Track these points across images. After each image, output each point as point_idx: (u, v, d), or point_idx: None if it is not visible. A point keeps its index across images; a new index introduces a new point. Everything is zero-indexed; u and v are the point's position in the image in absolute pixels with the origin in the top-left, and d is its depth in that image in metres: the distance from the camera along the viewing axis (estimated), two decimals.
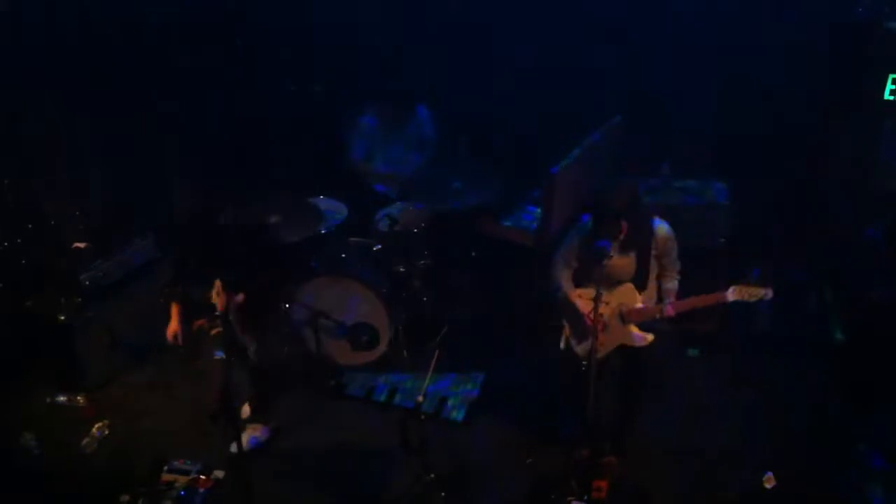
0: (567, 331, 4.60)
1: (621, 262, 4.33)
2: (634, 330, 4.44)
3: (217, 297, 4.78)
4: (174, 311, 4.92)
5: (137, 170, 6.46)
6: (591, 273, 4.33)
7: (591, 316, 4.19)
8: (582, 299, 4.44)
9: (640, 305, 4.40)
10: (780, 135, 6.39)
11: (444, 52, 6.74)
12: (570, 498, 4.48)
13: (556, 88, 6.63)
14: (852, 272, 5.76)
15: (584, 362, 4.42)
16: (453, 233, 6.22)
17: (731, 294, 4.19)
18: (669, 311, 4.34)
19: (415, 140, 6.58)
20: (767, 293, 4.16)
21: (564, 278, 4.54)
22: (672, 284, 4.45)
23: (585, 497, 4.37)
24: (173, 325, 4.92)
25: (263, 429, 5.16)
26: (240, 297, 4.76)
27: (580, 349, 4.54)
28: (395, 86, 6.72)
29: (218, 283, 4.73)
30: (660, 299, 4.47)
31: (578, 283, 4.51)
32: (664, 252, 4.39)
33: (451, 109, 6.74)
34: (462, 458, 4.92)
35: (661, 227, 4.36)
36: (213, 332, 5.22)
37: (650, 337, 4.45)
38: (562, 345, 4.64)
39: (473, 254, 6.32)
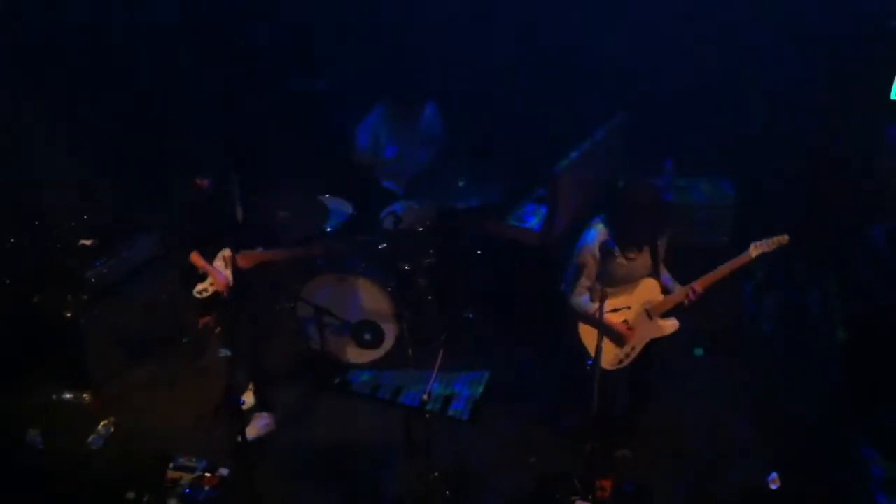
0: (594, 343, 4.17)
1: (641, 259, 4.34)
2: (661, 322, 4.47)
3: (226, 269, 4.89)
4: (200, 263, 4.95)
5: (141, 167, 6.47)
6: (612, 274, 4.32)
7: (621, 324, 4.34)
8: (612, 314, 4.36)
9: (662, 297, 4.42)
10: (785, 133, 6.39)
11: (448, 49, 6.74)
12: (573, 497, 4.49)
13: (561, 86, 6.63)
14: (856, 271, 5.76)
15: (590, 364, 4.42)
16: (458, 231, 6.22)
17: (754, 250, 4.24)
18: (698, 288, 4.31)
19: (423, 136, 6.56)
20: (784, 238, 4.20)
21: (585, 298, 4.36)
22: (668, 274, 4.48)
23: (589, 496, 4.38)
24: (225, 274, 4.95)
25: (265, 417, 5.18)
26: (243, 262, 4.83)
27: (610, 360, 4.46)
28: (400, 83, 6.72)
29: (227, 252, 4.85)
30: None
31: (604, 284, 4.29)
32: (665, 247, 4.43)
33: (456, 107, 6.74)
34: (466, 456, 4.93)
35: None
36: (218, 330, 5.28)
37: (676, 323, 4.48)
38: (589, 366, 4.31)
39: (478, 252, 6.31)
